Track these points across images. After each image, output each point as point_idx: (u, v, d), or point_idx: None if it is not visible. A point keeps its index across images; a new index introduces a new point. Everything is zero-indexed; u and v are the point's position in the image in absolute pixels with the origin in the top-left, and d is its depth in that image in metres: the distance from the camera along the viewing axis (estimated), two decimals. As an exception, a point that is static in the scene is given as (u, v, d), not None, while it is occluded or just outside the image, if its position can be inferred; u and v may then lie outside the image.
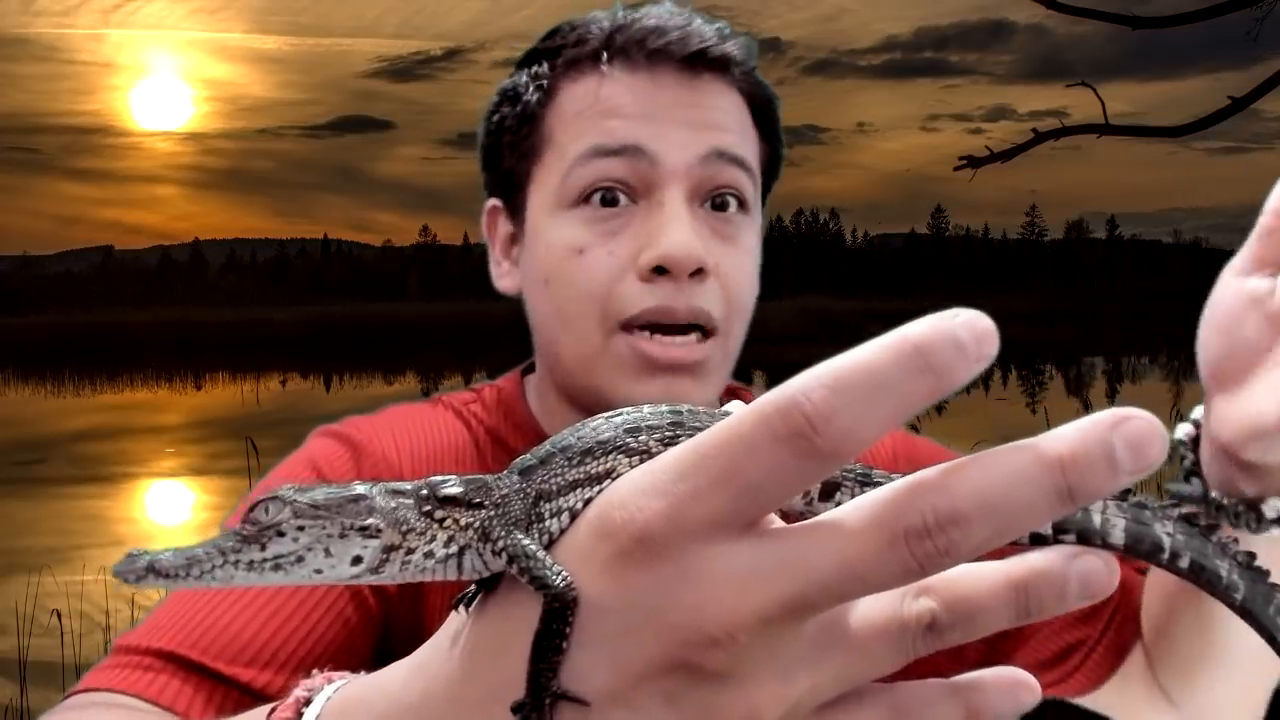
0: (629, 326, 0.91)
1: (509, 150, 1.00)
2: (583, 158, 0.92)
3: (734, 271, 0.95)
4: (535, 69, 0.98)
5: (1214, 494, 0.80)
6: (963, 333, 0.34)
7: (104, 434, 16.46)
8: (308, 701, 0.48)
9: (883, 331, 0.35)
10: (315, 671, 0.51)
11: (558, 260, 0.94)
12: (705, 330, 0.92)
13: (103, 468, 12.20)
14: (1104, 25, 9.20)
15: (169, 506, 10.30)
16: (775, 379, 0.37)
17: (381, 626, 0.90)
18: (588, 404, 0.95)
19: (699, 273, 0.91)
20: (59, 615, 4.95)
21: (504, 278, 1.03)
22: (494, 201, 1.04)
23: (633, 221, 0.92)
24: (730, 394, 1.06)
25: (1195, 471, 0.82)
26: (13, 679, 4.70)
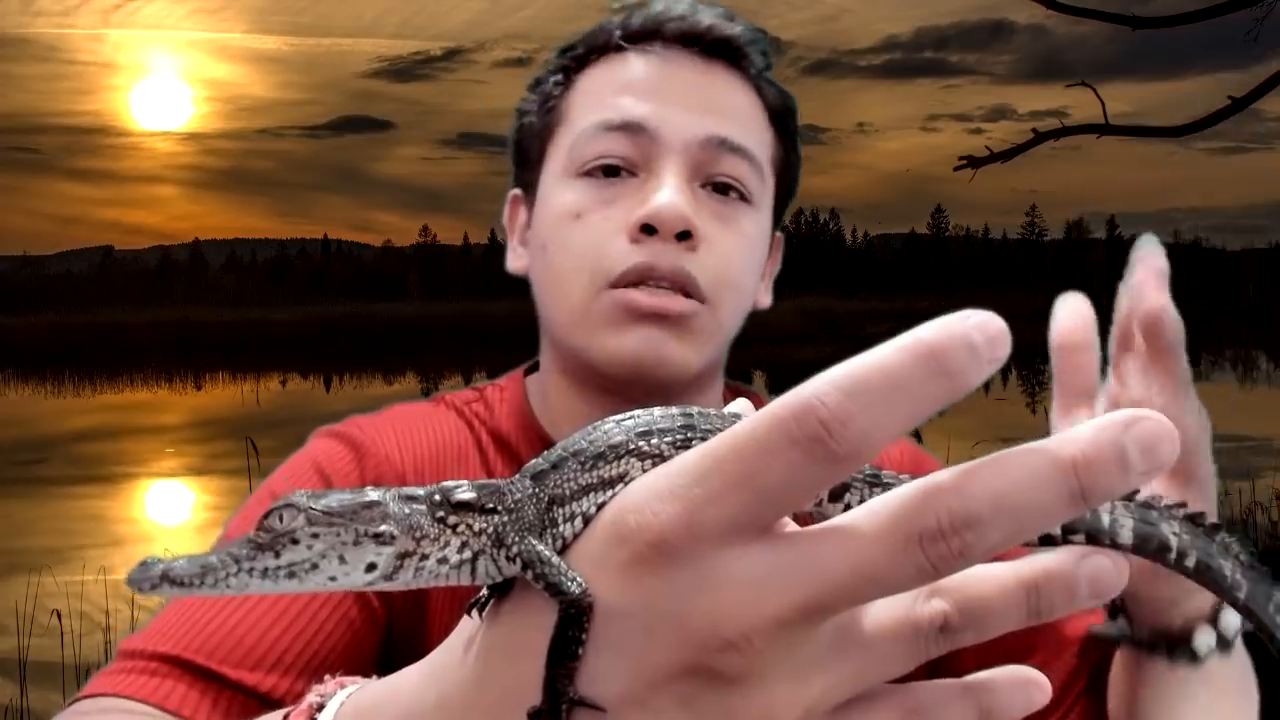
0: (616, 284, 0.93)
1: (529, 135, 1.03)
2: (589, 130, 0.96)
3: (726, 250, 0.95)
4: (560, 61, 1.03)
5: (1142, 630, 0.79)
6: (975, 334, 0.35)
7: (104, 434, 16.46)
8: (320, 707, 0.48)
9: (883, 331, 0.35)
10: (328, 677, 0.51)
11: (556, 224, 0.97)
12: (689, 295, 0.93)
13: (103, 468, 12.20)
14: (1104, 25, 9.19)
15: (169, 506, 10.30)
16: (775, 378, 0.37)
17: (385, 627, 0.91)
18: (576, 371, 0.98)
19: (687, 238, 0.92)
20: (59, 615, 4.95)
21: (516, 260, 1.06)
22: (516, 190, 1.07)
23: (630, 191, 0.94)
24: (735, 395, 1.07)
25: (1120, 608, 0.81)
26: (13, 679, 4.71)
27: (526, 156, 1.04)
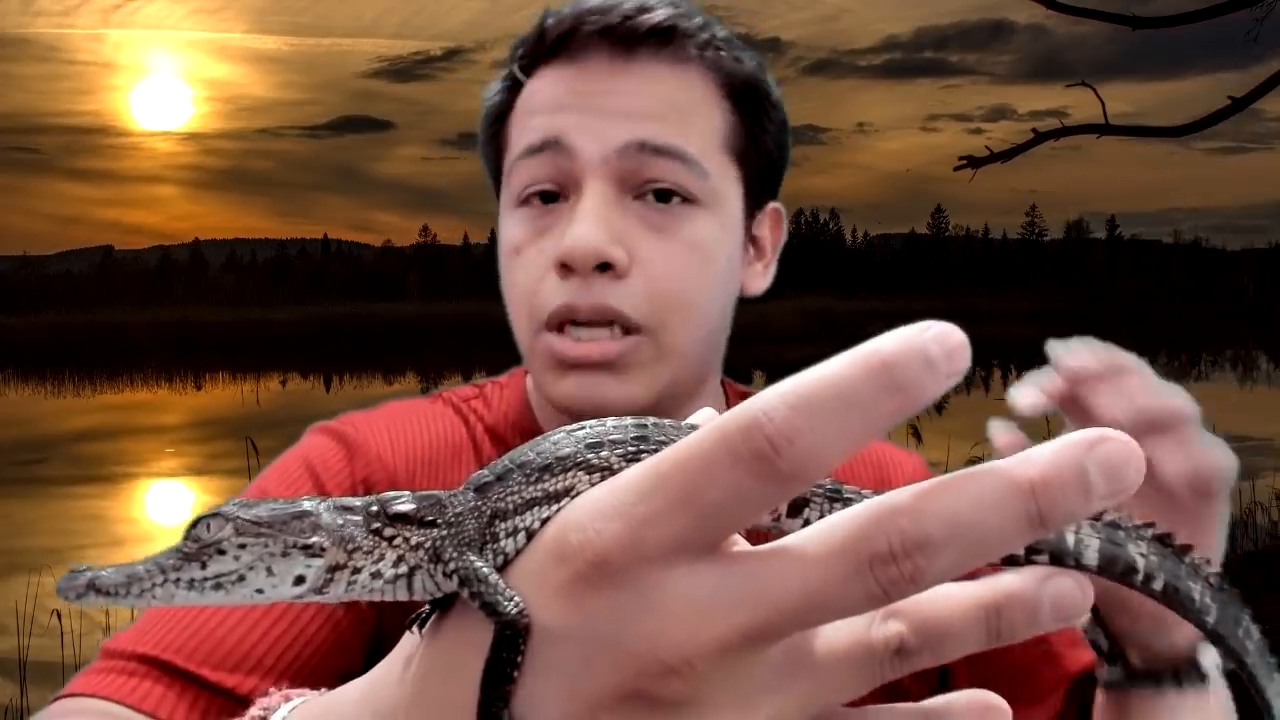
0: (548, 325, 0.90)
1: (488, 161, 1.02)
2: (515, 160, 0.93)
3: (663, 264, 0.90)
4: (500, 82, 0.99)
5: (1140, 665, 0.79)
6: (933, 348, 0.33)
7: (104, 434, 16.46)
8: None
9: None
10: (272, 689, 0.51)
11: (503, 260, 0.96)
12: (624, 328, 0.90)
13: (103, 468, 12.21)
14: (1104, 25, 9.19)
15: (169, 506, 10.30)
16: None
17: (374, 627, 0.90)
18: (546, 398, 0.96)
19: (609, 269, 0.88)
20: (59, 615, 4.95)
21: None
22: None
23: (561, 218, 0.91)
24: (741, 398, 1.06)
25: (1118, 651, 0.80)
26: (13, 679, 4.71)
27: (495, 182, 1.02)
